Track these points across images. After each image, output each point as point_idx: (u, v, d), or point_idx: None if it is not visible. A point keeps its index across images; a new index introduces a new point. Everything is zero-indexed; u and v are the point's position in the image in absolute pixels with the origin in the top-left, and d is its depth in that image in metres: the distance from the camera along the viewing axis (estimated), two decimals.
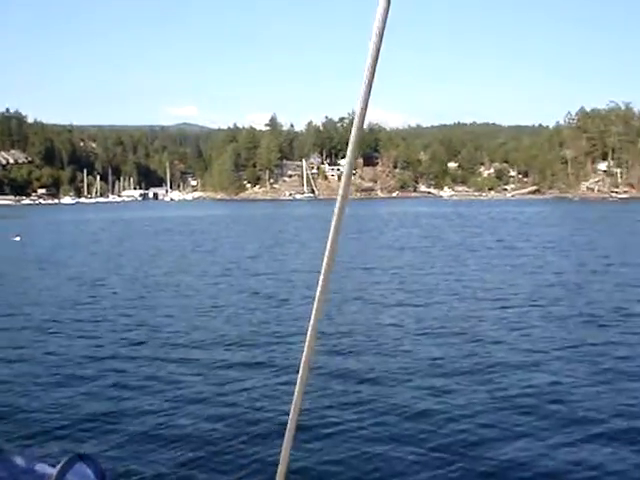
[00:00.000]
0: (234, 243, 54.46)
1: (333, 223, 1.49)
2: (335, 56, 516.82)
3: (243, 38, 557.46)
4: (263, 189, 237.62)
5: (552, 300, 24.16)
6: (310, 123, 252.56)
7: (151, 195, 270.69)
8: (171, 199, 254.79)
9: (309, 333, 1.57)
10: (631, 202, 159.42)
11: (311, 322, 1.55)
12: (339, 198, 1.50)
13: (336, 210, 1.49)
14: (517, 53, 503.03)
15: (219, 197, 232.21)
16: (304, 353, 1.62)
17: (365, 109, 1.43)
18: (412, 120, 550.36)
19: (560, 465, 10.09)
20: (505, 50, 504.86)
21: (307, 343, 1.57)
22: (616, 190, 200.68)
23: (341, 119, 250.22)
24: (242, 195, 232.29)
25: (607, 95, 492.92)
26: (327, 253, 1.48)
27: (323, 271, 1.48)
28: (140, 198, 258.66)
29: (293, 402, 1.69)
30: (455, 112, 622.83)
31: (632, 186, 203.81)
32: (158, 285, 30.01)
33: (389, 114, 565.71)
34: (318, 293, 1.52)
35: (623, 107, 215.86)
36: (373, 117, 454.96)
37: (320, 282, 1.51)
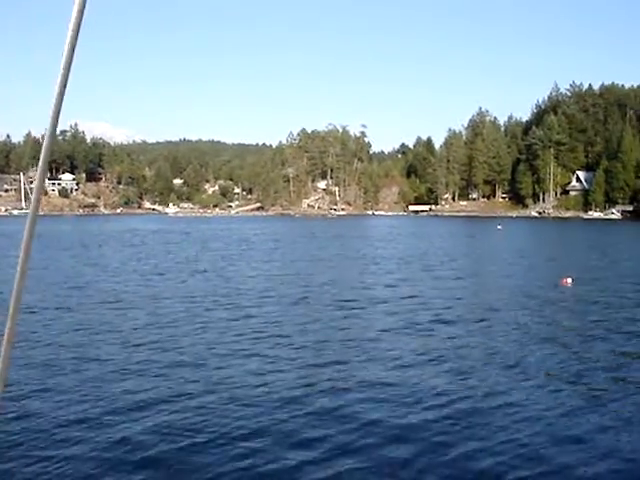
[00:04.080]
0: None
1: (24, 239, 1.51)
2: (57, 62, 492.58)
3: None
4: None
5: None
6: (29, 134, 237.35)
7: None
8: None
9: (6, 334, 1.58)
10: (347, 218, 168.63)
11: (8, 325, 1.57)
12: (30, 214, 1.46)
13: (27, 226, 1.48)
14: (238, 73, 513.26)
15: None
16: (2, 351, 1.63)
17: (57, 118, 1.30)
18: (137, 136, 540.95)
19: None
20: (226, 69, 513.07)
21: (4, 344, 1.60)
22: (335, 207, 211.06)
23: (63, 132, 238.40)
24: None
25: (326, 118, 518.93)
26: (19, 268, 1.53)
27: (16, 284, 1.54)
28: None
29: None
30: (180, 129, 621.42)
31: (349, 204, 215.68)
32: None
33: (114, 129, 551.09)
34: (12, 303, 1.56)
35: (341, 130, 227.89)
36: (97, 131, 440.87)
37: (14, 293, 1.55)
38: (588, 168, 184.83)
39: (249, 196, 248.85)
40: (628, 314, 23.58)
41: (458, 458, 10.25)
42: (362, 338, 19.35)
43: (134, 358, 16.43)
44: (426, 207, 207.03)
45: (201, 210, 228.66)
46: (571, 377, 14.81)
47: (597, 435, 11.18)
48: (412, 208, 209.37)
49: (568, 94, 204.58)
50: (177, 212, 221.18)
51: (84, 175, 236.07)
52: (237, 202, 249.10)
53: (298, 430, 11.51)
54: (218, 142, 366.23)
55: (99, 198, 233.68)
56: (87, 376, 14.71)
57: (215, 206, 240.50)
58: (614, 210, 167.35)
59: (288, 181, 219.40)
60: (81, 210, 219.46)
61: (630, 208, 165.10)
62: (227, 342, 18.55)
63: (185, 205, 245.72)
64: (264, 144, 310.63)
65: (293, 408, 12.58)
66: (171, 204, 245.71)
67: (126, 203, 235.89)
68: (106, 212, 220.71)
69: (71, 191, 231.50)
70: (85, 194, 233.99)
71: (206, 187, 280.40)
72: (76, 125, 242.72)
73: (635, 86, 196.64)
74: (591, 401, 13.04)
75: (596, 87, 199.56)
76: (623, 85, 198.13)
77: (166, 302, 26.27)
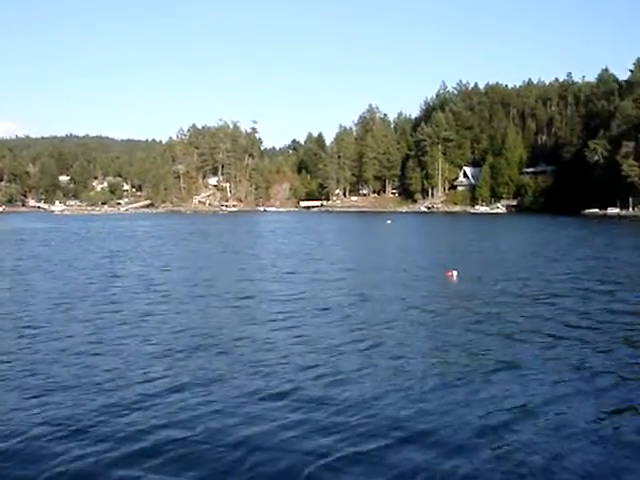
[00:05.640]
0: None
1: None
2: None
3: None
4: None
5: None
6: None
7: None
8: None
9: None
10: (238, 215, 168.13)
11: None
12: None
13: None
14: (125, 68, 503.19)
15: None
16: None
17: None
18: (20, 130, 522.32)
19: None
20: (113, 64, 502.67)
21: None
22: (226, 204, 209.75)
23: None
24: None
25: (216, 114, 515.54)
26: None
27: None
28: None
29: None
30: (66, 124, 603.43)
31: (240, 200, 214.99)
32: None
33: None
34: None
35: (231, 126, 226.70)
36: None
37: None
38: (475, 164, 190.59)
39: (139, 193, 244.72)
40: (511, 303, 24.23)
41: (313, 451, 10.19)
42: (236, 328, 19.42)
43: None
44: (317, 203, 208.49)
45: (89, 208, 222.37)
46: (456, 366, 14.99)
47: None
48: (303, 204, 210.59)
49: (455, 92, 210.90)
50: (64, 210, 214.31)
51: None
52: (126, 199, 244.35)
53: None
54: (106, 138, 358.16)
55: None
56: None
57: (104, 203, 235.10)
58: (499, 204, 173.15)
59: (178, 177, 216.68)
60: None
61: (514, 202, 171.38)
62: (100, 338, 18.00)
63: (72, 203, 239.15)
64: (154, 140, 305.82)
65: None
66: (57, 202, 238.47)
67: (9, 201, 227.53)
68: None
69: None
70: None
71: (94, 184, 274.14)
72: None
73: (517, 86, 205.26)
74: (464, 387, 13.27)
75: (481, 86, 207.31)
76: (507, 85, 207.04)
77: (40, 300, 25.30)
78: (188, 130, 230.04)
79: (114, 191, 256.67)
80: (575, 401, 12.49)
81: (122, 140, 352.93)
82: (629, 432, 10.94)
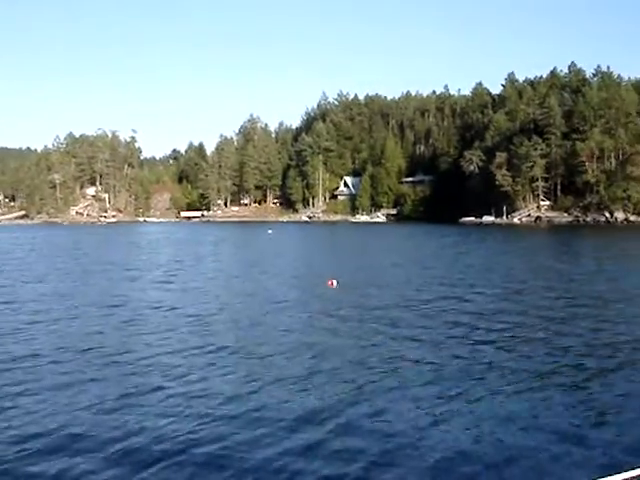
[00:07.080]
0: None
1: None
2: None
3: None
4: None
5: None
6: None
7: None
8: None
9: None
10: (117, 225, 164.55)
11: None
12: None
13: None
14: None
15: None
16: None
17: None
18: None
19: None
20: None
21: None
22: (105, 215, 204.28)
23: None
24: None
25: (95, 122, 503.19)
26: None
27: None
28: None
29: None
30: None
31: (120, 210, 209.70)
32: None
33: None
34: None
35: (110, 135, 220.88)
36: None
37: None
38: (355, 174, 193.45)
39: (12, 203, 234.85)
40: (384, 307, 24.59)
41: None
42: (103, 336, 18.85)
43: None
44: (198, 213, 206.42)
45: None
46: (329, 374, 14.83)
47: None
48: (184, 214, 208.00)
49: (336, 103, 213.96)
50: None
51: None
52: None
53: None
54: None
55: None
56: None
57: None
58: (379, 213, 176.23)
59: (54, 187, 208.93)
60: None
61: (394, 211, 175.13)
62: None
63: None
64: (28, 148, 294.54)
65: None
66: None
67: None
68: None
69: None
70: None
71: None
72: None
73: (396, 97, 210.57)
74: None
75: (361, 97, 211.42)
76: (386, 96, 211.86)
77: None
78: (65, 139, 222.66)
79: None
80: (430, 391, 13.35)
81: None
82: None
